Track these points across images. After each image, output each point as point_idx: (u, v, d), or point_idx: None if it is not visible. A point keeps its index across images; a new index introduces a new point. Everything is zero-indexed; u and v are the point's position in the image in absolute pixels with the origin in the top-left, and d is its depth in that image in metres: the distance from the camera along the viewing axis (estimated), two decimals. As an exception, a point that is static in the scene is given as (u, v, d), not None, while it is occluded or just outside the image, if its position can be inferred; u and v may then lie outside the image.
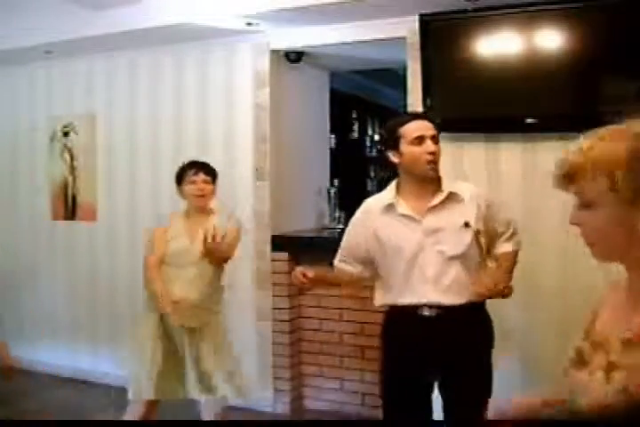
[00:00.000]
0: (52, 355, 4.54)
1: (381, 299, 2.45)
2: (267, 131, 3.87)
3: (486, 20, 3.14)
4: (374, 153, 6.76)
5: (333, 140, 5.02)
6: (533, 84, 3.07)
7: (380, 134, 2.86)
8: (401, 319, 2.40)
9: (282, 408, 3.88)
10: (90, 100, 4.45)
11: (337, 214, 4.26)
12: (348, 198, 4.85)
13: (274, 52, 3.87)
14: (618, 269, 1.18)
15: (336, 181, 4.57)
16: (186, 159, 3.23)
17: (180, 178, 3.10)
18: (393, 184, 2.41)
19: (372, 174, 6.82)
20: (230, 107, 3.98)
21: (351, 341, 3.77)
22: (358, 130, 6.26)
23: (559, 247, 3.14)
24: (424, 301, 2.32)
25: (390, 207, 2.36)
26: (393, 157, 2.34)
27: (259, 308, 3.92)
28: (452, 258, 2.31)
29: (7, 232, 4.77)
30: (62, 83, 4.53)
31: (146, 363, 2.94)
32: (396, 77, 4.51)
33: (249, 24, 3.61)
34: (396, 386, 2.43)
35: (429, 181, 2.34)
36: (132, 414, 3.01)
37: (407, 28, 3.37)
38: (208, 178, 3.06)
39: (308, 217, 4.15)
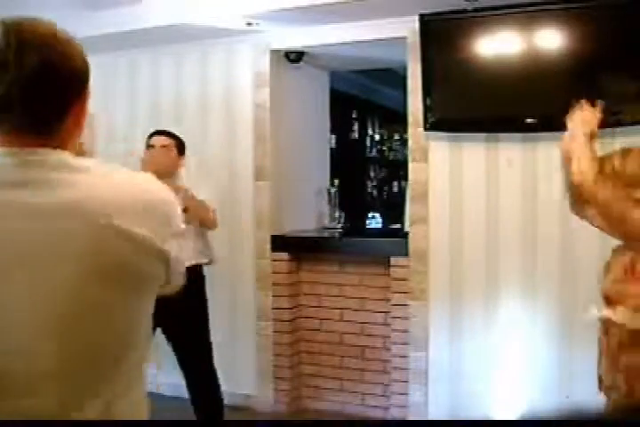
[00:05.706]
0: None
1: None
2: (267, 131, 3.87)
3: (486, 20, 3.14)
4: (374, 153, 6.77)
5: (333, 140, 5.02)
6: (533, 84, 3.08)
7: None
8: None
9: (282, 408, 3.88)
10: (90, 100, 4.43)
11: (337, 214, 4.26)
12: (348, 198, 4.86)
13: (274, 52, 3.87)
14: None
15: (336, 181, 4.57)
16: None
17: None
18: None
19: (372, 174, 6.84)
20: (230, 107, 3.98)
21: (351, 341, 3.77)
22: (358, 130, 6.27)
23: (556, 248, 3.16)
24: None
25: None
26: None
27: (259, 308, 3.92)
28: None
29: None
30: (62, 83, 4.53)
31: None
32: (396, 77, 4.52)
33: (249, 24, 3.61)
34: None
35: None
36: None
37: (407, 28, 3.37)
38: None
39: (308, 217, 4.15)
